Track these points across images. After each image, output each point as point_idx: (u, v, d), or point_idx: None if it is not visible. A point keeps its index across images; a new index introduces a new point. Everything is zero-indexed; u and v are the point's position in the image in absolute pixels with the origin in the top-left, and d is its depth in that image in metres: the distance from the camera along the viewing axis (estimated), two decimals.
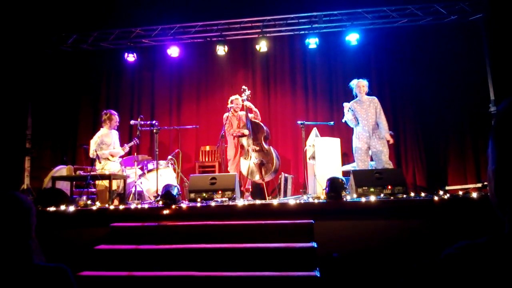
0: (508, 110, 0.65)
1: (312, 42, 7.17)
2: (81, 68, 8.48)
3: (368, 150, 5.73)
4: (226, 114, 6.48)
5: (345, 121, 5.96)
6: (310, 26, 7.32)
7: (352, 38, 7.13)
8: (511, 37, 6.26)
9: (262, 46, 7.30)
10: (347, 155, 6.97)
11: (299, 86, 8.08)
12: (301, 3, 7.16)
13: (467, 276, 0.60)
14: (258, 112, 6.52)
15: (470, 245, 0.62)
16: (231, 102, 6.47)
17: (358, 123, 5.81)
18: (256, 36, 7.49)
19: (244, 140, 6.25)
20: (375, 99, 5.83)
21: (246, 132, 6.22)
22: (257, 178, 6.14)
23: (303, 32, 7.48)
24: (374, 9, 7.07)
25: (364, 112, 5.79)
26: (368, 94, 5.90)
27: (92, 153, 6.12)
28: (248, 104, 6.37)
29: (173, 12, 7.26)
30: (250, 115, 6.36)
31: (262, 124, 6.34)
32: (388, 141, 5.66)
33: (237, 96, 6.51)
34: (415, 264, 0.65)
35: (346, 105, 5.88)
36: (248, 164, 6.13)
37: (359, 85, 5.87)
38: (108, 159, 6.13)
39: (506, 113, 0.65)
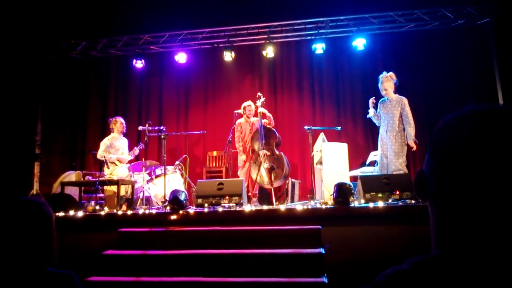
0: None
1: (319, 48, 7.17)
2: (90, 74, 8.58)
3: (387, 155, 5.40)
4: (238, 121, 6.52)
5: (370, 118, 5.69)
6: (316, 31, 7.33)
7: (359, 43, 7.12)
8: None
9: (269, 51, 7.32)
10: (357, 161, 6.94)
11: (306, 91, 8.08)
12: (308, 9, 7.18)
13: None
14: (272, 117, 6.55)
15: (396, 273, 0.62)
16: (244, 108, 6.50)
17: (381, 123, 5.50)
18: (263, 42, 7.52)
19: (255, 145, 6.28)
20: (403, 99, 5.36)
21: (256, 146, 6.24)
22: (266, 183, 6.14)
23: (309, 37, 7.49)
24: (381, 14, 7.07)
25: (386, 112, 5.41)
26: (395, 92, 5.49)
27: (100, 155, 6.20)
28: (262, 110, 6.41)
29: (180, 18, 7.32)
30: (264, 121, 6.39)
31: (274, 130, 6.37)
32: (410, 148, 5.30)
33: (250, 103, 6.54)
34: None
35: (371, 100, 5.58)
36: (258, 168, 6.14)
37: (381, 84, 5.47)
38: (115, 164, 6.19)
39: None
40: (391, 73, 5.51)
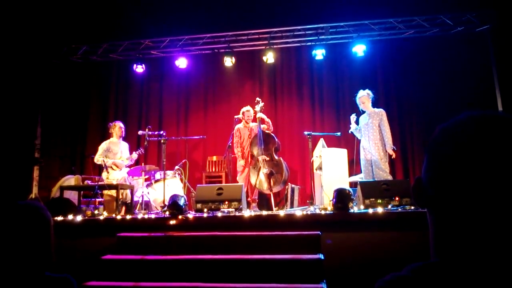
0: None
1: (319, 53, 7.20)
2: (90, 79, 8.61)
3: (371, 161, 5.77)
4: (237, 126, 6.53)
5: (352, 132, 6.10)
6: (317, 37, 7.36)
7: (359, 49, 7.14)
8: None
9: (269, 57, 7.34)
10: (357, 167, 6.96)
11: (306, 97, 8.10)
12: (308, 15, 7.21)
13: None
14: (271, 123, 6.56)
15: (395, 279, 0.62)
16: (243, 114, 6.52)
17: (362, 134, 5.94)
18: (263, 47, 7.54)
19: (255, 150, 6.28)
20: (381, 111, 5.86)
21: (255, 151, 6.25)
22: (265, 188, 6.13)
23: (310, 43, 7.52)
24: (381, 21, 7.10)
25: (366, 124, 5.87)
26: (374, 106, 5.98)
27: (96, 158, 6.22)
28: (261, 115, 6.42)
29: (181, 24, 7.35)
30: (263, 126, 6.40)
31: (273, 135, 6.38)
32: (390, 156, 5.70)
33: (248, 108, 6.56)
34: None
35: (352, 116, 6.06)
36: (257, 173, 6.14)
37: (359, 99, 6.00)
38: (112, 168, 6.18)
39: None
40: (367, 90, 6.01)
